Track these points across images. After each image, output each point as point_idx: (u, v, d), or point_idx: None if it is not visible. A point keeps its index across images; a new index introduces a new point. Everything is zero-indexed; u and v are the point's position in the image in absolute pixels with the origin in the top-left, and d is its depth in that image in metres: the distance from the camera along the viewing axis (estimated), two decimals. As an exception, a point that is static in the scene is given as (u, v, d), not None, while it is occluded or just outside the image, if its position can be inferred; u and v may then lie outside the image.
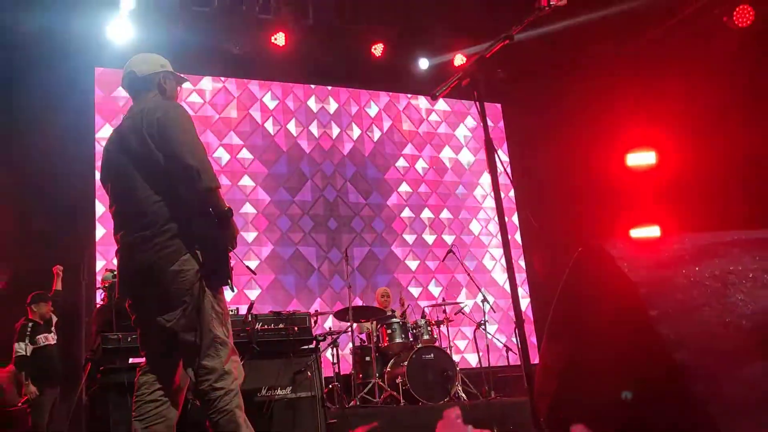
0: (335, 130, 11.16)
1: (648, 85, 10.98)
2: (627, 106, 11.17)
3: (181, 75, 4.11)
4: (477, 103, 2.90)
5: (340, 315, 8.44)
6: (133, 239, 3.63)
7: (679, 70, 10.57)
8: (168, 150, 3.56)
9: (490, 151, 2.79)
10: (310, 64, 10.73)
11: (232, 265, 3.72)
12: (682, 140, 10.79)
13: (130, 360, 6.23)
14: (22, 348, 7.72)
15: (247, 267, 4.34)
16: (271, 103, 10.83)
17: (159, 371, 3.74)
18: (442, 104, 11.96)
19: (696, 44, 10.53)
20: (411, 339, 8.36)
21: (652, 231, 11.29)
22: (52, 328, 8.06)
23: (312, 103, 11.13)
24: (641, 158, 11.68)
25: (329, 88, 11.30)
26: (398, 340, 8.32)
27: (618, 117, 11.32)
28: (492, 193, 10.28)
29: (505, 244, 2.99)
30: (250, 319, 6.18)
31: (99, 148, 9.65)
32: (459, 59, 11.10)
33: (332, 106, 11.27)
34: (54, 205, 8.68)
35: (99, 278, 8.51)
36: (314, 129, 11.01)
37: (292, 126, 10.86)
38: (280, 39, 10.16)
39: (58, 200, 8.74)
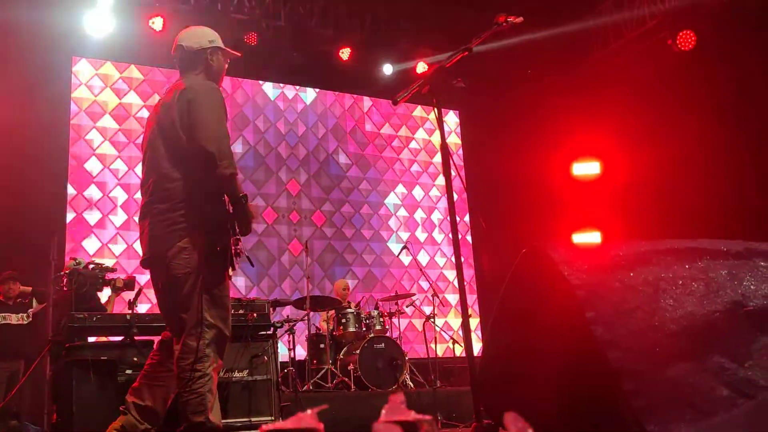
0: (301, 128, 11.10)
1: (595, 99, 11.13)
2: (574, 118, 11.31)
3: (231, 50, 3.99)
4: (435, 109, 2.90)
5: (298, 304, 8.41)
6: (149, 209, 3.62)
7: (623, 87, 10.74)
8: (191, 133, 3.51)
9: (445, 155, 2.81)
10: (280, 63, 10.66)
11: (239, 250, 3.65)
12: (623, 151, 10.97)
13: (93, 338, 6.16)
14: None
15: (248, 258, 4.24)
16: (241, 100, 10.74)
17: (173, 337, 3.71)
18: (403, 108, 11.96)
19: (641, 64, 10.71)
20: (364, 329, 8.36)
21: (593, 236, 11.45)
22: (28, 309, 7.95)
23: (280, 102, 11.06)
24: (586, 167, 11.85)
25: (297, 87, 11.24)
26: (351, 329, 8.32)
27: (566, 128, 11.47)
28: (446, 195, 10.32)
29: (455, 244, 3.01)
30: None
31: (73, 134, 9.49)
32: (421, 67, 11.12)
33: (299, 105, 11.21)
34: (28, 188, 8.51)
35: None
36: (281, 126, 10.94)
37: (260, 122, 10.78)
38: (251, 38, 10.07)
39: (32, 183, 8.57)
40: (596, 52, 11.28)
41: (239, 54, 4.06)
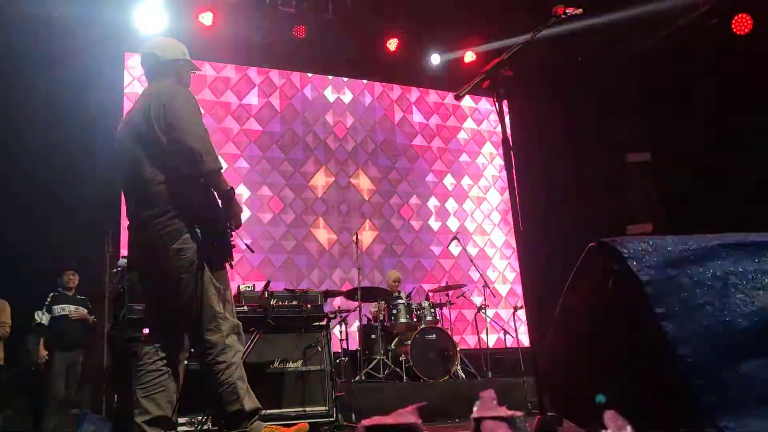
0: (349, 120, 11.15)
1: (647, 87, 10.96)
2: (625, 106, 11.17)
3: (194, 62, 4.11)
4: (496, 103, 2.91)
5: (349, 295, 8.48)
6: (138, 219, 3.68)
7: (675, 75, 10.55)
8: (172, 134, 3.54)
9: (507, 150, 2.81)
10: (328, 55, 10.71)
11: (233, 243, 3.72)
12: (676, 140, 10.79)
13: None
14: (38, 317, 7.90)
15: (246, 245, 4.35)
16: (289, 92, 10.82)
17: (162, 342, 3.76)
18: (450, 98, 11.94)
19: (692, 50, 10.48)
20: (415, 320, 8.39)
21: (646, 227, 11.32)
22: (85, 303, 8.18)
23: (329, 94, 11.13)
24: (638, 157, 11.70)
25: (345, 79, 11.29)
26: (402, 320, 8.35)
27: (617, 116, 11.33)
28: (494, 186, 10.27)
29: (518, 236, 3.03)
30: (266, 295, 6.21)
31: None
32: (468, 56, 11.08)
33: (347, 96, 11.26)
34: (84, 182, 8.71)
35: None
36: (329, 118, 11.00)
37: (309, 114, 10.86)
38: (299, 31, 10.14)
39: (88, 177, 8.76)
40: (646, 40, 11.09)
41: (199, 68, 4.21)
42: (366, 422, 1.63)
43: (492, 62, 2.88)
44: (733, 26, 9.96)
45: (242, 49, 10.24)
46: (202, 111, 3.87)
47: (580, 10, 3.04)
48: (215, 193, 3.66)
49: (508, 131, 2.75)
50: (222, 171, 3.61)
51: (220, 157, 3.69)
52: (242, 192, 10.04)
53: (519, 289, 11.39)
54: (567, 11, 3.10)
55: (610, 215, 11.32)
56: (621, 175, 11.68)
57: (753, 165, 9.45)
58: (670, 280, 2.05)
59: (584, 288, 2.30)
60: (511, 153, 2.78)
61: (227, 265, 3.71)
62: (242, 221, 3.79)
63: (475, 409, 1.66)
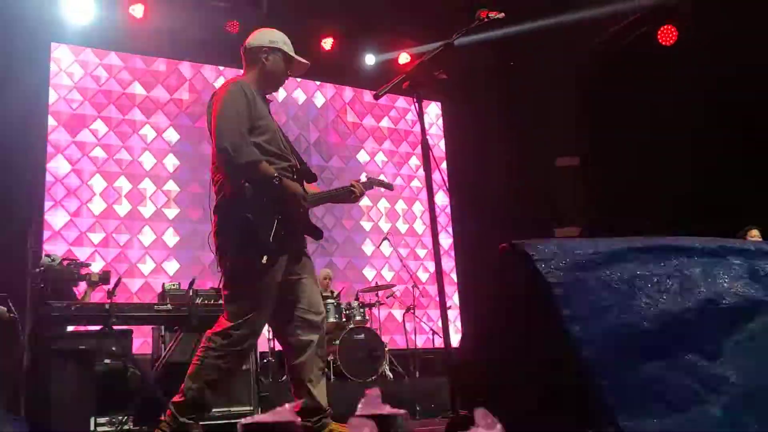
0: (282, 118, 11.06)
1: (578, 91, 11.20)
2: (557, 111, 11.38)
3: (300, 58, 4.07)
4: (416, 104, 2.93)
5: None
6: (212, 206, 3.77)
7: (606, 81, 10.80)
8: (212, 132, 3.66)
9: (425, 151, 2.83)
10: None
11: (276, 232, 3.61)
12: (605, 145, 11.05)
13: (70, 328, 6.15)
14: None
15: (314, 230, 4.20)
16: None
17: None
18: (386, 99, 11.95)
19: (623, 57, 10.75)
20: (344, 319, 8.38)
21: (574, 230, 11.55)
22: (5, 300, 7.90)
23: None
24: (568, 161, 11.94)
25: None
26: (332, 319, 8.33)
27: (548, 120, 11.53)
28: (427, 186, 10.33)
29: (434, 236, 3.05)
30: (191, 293, 6.12)
31: (51, 121, 9.40)
32: (404, 57, 11.12)
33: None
34: (6, 175, 8.43)
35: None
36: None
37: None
38: (233, 26, 10.02)
39: (10, 170, 8.48)
40: (577, 46, 11.33)
41: (306, 62, 4.10)
42: (243, 421, 1.62)
43: (412, 62, 2.89)
44: (659, 36, 10.25)
45: (174, 43, 10.06)
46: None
47: (502, 15, 3.08)
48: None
49: (430, 129, 2.75)
50: (257, 163, 3.60)
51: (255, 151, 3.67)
52: (171, 189, 9.87)
53: (449, 290, 11.48)
54: (489, 15, 3.14)
55: (539, 218, 11.51)
56: (551, 179, 11.89)
57: (683, 171, 9.75)
58: (578, 283, 2.09)
59: (497, 289, 2.32)
60: (430, 154, 2.79)
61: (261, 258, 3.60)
62: (294, 205, 3.75)
63: (359, 407, 1.65)
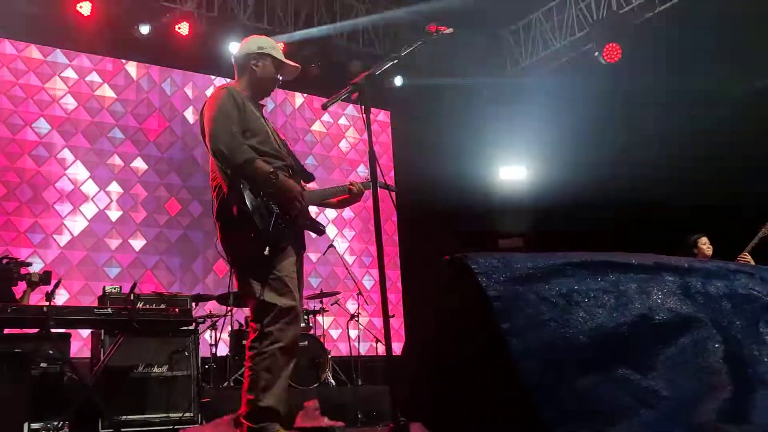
0: (231, 122, 10.97)
1: (523, 105, 11.38)
2: (502, 123, 11.56)
3: (289, 62, 4.06)
4: (364, 116, 2.96)
5: (222, 299, 8.32)
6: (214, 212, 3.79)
7: (550, 95, 11.01)
8: (205, 139, 3.71)
9: (372, 161, 2.86)
10: (212, 54, 10.50)
11: (274, 223, 3.62)
12: (549, 158, 11.27)
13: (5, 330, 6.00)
14: None
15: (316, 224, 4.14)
16: (169, 90, 10.55)
17: None
18: (336, 105, 11.94)
19: (568, 72, 11.00)
20: (287, 326, 8.33)
21: (517, 241, 11.73)
22: None
23: (209, 93, 10.91)
24: (513, 173, 12.12)
25: (227, 80, 11.08)
26: (275, 326, 8.27)
27: (494, 132, 11.71)
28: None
29: (379, 245, 3.07)
30: (132, 297, 6.03)
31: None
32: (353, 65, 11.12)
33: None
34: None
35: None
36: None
37: (189, 114, 10.62)
38: (184, 28, 9.91)
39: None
40: (525, 60, 11.54)
41: (296, 65, 4.10)
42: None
43: (360, 75, 2.92)
44: (604, 54, 10.47)
45: (122, 42, 9.91)
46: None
47: (450, 30, 3.13)
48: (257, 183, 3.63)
49: (378, 137, 2.77)
50: (252, 161, 3.62)
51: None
52: (114, 189, 9.71)
53: (394, 298, 11.53)
54: (439, 30, 3.19)
55: (484, 229, 11.66)
56: (496, 190, 12.05)
57: (625, 184, 10.00)
58: (518, 297, 2.13)
59: (438, 301, 2.35)
60: (377, 165, 2.82)
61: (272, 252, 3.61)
62: (291, 201, 3.72)
63: (298, 419, 1.67)
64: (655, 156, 9.99)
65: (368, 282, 11.46)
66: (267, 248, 3.53)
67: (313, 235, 3.89)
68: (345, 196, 4.14)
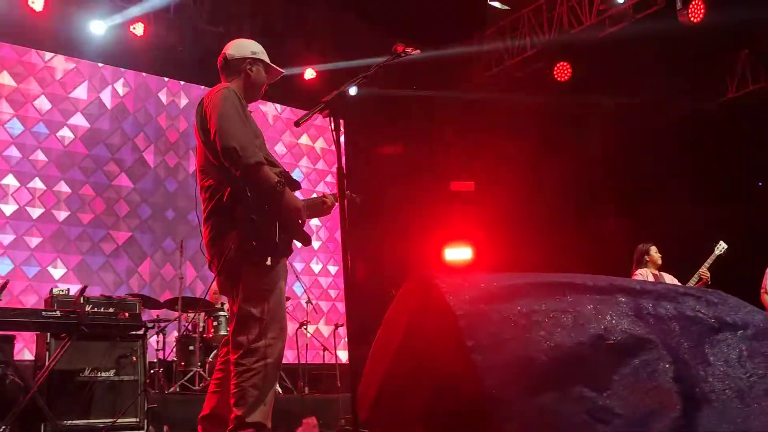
0: (182, 124, 10.90)
1: (474, 120, 11.58)
2: (454, 137, 11.73)
3: (276, 67, 4.05)
4: (333, 133, 3.01)
5: (170, 304, 8.26)
6: (206, 214, 3.67)
7: (501, 111, 11.23)
8: (212, 134, 3.57)
9: (340, 177, 2.91)
10: (167, 57, 10.43)
11: (279, 234, 3.56)
12: (499, 170, 11.49)
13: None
14: None
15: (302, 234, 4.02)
16: (122, 90, 10.42)
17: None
18: (288, 113, 11.96)
19: (519, 89, 11.24)
20: (236, 332, 8.30)
21: (465, 251, 11.91)
22: None
23: (163, 95, 10.82)
24: (462, 186, 12.30)
25: (182, 83, 11.02)
26: (223, 332, 8.24)
27: (445, 145, 11.87)
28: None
29: (345, 258, 3.13)
30: (81, 301, 5.96)
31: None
32: (309, 73, 11.15)
33: (183, 100, 11.01)
34: None
35: None
36: (162, 121, 10.70)
37: (140, 115, 10.51)
38: (138, 29, 9.83)
39: None
40: (477, 76, 11.73)
41: (280, 70, 4.10)
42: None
43: (333, 93, 2.98)
44: (555, 72, 10.73)
45: (75, 40, 9.77)
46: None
47: (418, 51, 3.21)
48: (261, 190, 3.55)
49: (343, 159, 2.83)
50: (262, 165, 3.53)
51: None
52: (61, 189, 9.54)
53: (341, 307, 11.56)
54: (406, 50, 3.26)
55: (433, 240, 11.80)
56: (445, 202, 12.21)
57: (571, 195, 10.29)
58: (482, 315, 2.21)
59: (403, 317, 2.42)
60: (344, 182, 2.88)
61: (271, 263, 3.54)
62: (296, 217, 3.69)
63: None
64: (601, 171, 10.31)
65: (316, 290, 11.47)
66: (269, 259, 3.48)
67: (299, 244, 3.81)
68: (320, 208, 4.13)
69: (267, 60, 4.02)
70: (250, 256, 3.48)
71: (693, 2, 8.78)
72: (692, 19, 8.78)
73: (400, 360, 2.40)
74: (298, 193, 3.93)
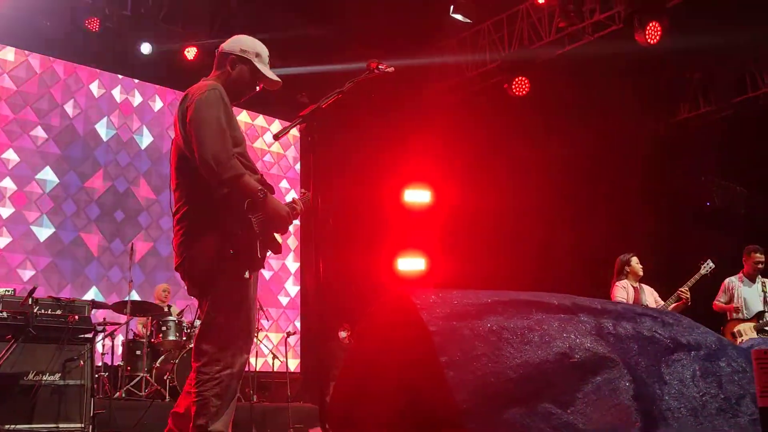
0: (136, 124, 10.81)
1: (430, 130, 11.73)
2: (410, 146, 11.86)
3: (268, 75, 3.80)
4: (309, 146, 3.07)
5: (118, 307, 8.17)
6: (176, 220, 3.57)
7: (458, 123, 11.41)
8: (190, 141, 3.47)
9: (315, 190, 2.98)
10: (120, 54, 10.35)
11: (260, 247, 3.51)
12: (453, 182, 11.68)
13: None
14: None
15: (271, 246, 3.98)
16: (74, 86, 10.30)
17: None
18: (245, 116, 11.94)
19: (477, 102, 11.46)
20: (184, 338, 8.28)
21: (419, 262, 12.06)
22: None
23: (116, 93, 10.72)
24: (417, 195, 12.45)
25: (136, 81, 10.94)
26: (171, 338, 8.21)
27: (401, 155, 12.00)
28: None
29: (306, 265, 3.20)
30: (29, 302, 5.89)
31: None
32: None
33: (137, 99, 10.92)
34: None
35: None
36: (114, 119, 10.59)
37: (92, 113, 10.39)
38: (93, 24, 9.73)
39: None
40: (436, 86, 11.90)
41: (276, 80, 3.84)
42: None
43: (309, 108, 3.06)
44: (513, 87, 10.94)
45: (26, 33, 9.63)
46: None
47: (392, 69, 3.30)
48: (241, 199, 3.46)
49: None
50: (240, 177, 3.42)
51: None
52: (7, 186, 9.38)
53: (291, 314, 11.57)
54: (380, 67, 3.35)
55: (385, 250, 11.92)
56: (399, 211, 12.33)
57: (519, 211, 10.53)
58: (454, 332, 2.31)
59: (378, 331, 2.51)
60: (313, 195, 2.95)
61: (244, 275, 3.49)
62: (281, 225, 3.64)
63: None
64: (556, 185, 10.60)
65: (267, 297, 11.46)
66: (246, 273, 3.45)
67: (269, 252, 3.75)
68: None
69: (257, 63, 3.78)
70: (226, 267, 3.44)
71: (650, 24, 9.05)
72: (649, 40, 9.06)
73: (374, 373, 2.48)
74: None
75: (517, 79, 11.01)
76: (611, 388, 2.47)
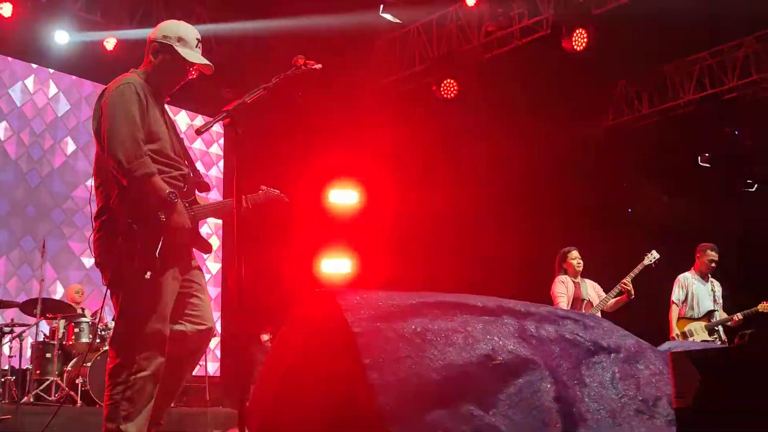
0: (50, 116, 10.49)
1: (359, 131, 11.75)
2: (338, 147, 11.86)
3: (194, 60, 3.62)
4: (233, 142, 3.04)
5: (27, 307, 7.91)
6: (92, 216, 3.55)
7: (387, 124, 11.46)
8: (101, 139, 3.43)
9: (238, 187, 2.97)
10: (36, 42, 10.01)
11: (162, 247, 3.40)
12: (381, 183, 11.74)
13: None
14: None
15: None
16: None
17: None
18: (184, 114, 11.71)
19: (406, 103, 11.54)
20: (98, 340, 8.06)
21: (344, 262, 12.06)
22: None
23: (30, 84, 10.38)
24: (344, 195, 12.45)
25: (51, 71, 10.61)
26: (84, 340, 7.99)
27: (327, 154, 11.99)
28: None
29: (237, 273, 3.17)
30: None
31: None
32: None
33: (52, 90, 10.60)
34: None
35: None
36: (27, 110, 10.25)
37: (3, 103, 10.04)
38: (6, 9, 9.39)
39: None
40: (366, 86, 11.92)
41: (207, 63, 3.68)
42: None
43: (233, 102, 3.04)
44: (441, 89, 11.04)
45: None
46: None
47: (319, 66, 3.30)
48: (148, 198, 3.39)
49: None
50: (150, 177, 3.36)
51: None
52: None
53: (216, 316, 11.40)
54: (307, 64, 3.35)
55: (310, 247, 11.89)
56: (324, 210, 12.33)
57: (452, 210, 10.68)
58: (378, 333, 2.32)
59: (301, 332, 2.50)
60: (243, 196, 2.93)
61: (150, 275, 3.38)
62: (177, 233, 3.49)
63: None
64: (485, 189, 10.78)
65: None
66: (149, 273, 3.36)
67: (205, 256, 3.75)
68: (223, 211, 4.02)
69: (181, 49, 3.60)
70: (131, 268, 3.38)
71: (576, 31, 9.27)
72: (575, 47, 9.29)
73: (297, 376, 2.47)
74: (206, 195, 3.90)
75: (445, 82, 11.13)
76: (533, 390, 2.52)
